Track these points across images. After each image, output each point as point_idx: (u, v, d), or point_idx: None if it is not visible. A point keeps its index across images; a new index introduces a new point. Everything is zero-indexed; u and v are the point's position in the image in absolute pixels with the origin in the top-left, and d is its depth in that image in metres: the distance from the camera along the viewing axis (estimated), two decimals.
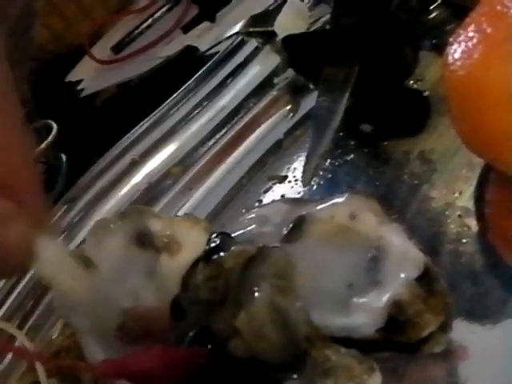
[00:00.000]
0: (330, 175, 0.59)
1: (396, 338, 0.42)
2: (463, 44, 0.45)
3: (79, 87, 1.01)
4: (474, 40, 0.44)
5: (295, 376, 0.40)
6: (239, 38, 0.78)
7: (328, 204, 0.51)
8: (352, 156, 0.59)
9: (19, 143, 0.34)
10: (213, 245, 0.48)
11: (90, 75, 1.02)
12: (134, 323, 0.43)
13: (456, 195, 0.51)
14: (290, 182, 0.60)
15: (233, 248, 0.47)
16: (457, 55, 0.45)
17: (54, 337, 0.56)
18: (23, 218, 0.34)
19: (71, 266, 0.40)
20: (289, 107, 0.68)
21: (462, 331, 0.43)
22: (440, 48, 0.61)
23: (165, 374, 0.41)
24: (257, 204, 0.59)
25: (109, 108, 0.91)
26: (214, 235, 0.49)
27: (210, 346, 0.44)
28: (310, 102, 0.66)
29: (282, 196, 0.59)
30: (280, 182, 0.61)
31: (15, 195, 0.33)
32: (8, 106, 0.34)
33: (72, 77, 1.05)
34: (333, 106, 0.59)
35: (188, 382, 0.43)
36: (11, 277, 0.39)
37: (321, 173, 0.59)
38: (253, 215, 0.54)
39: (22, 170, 0.34)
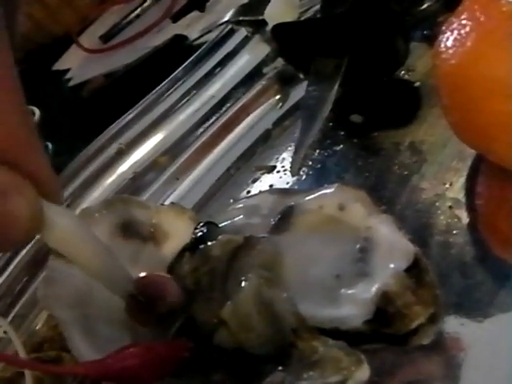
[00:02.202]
0: (319, 165, 0.58)
1: (384, 330, 0.42)
2: (456, 32, 0.44)
3: (67, 76, 1.00)
4: (467, 28, 0.43)
5: (281, 368, 0.39)
6: (229, 27, 0.77)
7: (316, 195, 0.50)
8: (341, 146, 0.59)
9: (21, 116, 0.34)
10: (199, 234, 0.47)
11: (77, 64, 1.01)
12: (143, 291, 0.41)
13: (446, 186, 0.50)
14: (278, 172, 0.59)
15: (219, 237, 0.46)
16: (449, 43, 0.44)
17: (37, 327, 0.55)
18: (27, 188, 0.33)
19: (85, 237, 0.38)
20: (278, 97, 0.67)
21: (451, 323, 0.43)
22: (431, 39, 0.60)
23: (148, 371, 0.40)
24: (245, 194, 0.59)
25: (96, 98, 0.90)
26: (200, 225, 0.48)
27: (195, 338, 0.43)
28: (299, 92, 0.66)
29: (271, 186, 0.58)
30: (268, 172, 0.60)
31: (20, 166, 0.32)
32: (5, 79, 0.33)
33: (59, 65, 1.04)
34: (322, 95, 0.58)
35: (173, 376, 0.42)
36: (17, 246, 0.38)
37: (310, 163, 0.58)
38: (240, 206, 0.54)
39: (24, 141, 0.33)
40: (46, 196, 0.35)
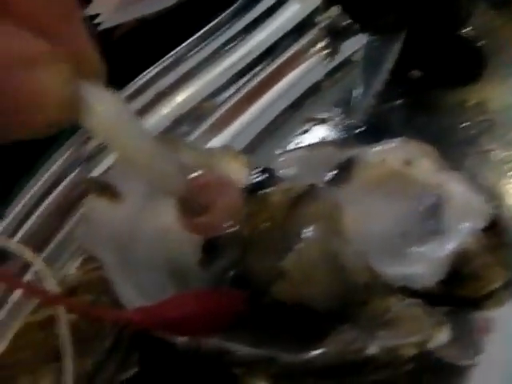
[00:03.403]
0: (375, 120, 0.55)
1: (457, 292, 0.39)
2: None
3: (96, 21, 0.96)
4: None
5: (349, 326, 0.36)
6: None
7: (379, 148, 0.47)
8: (400, 102, 0.55)
9: None
10: (257, 180, 0.44)
11: (108, 9, 0.97)
12: (197, 193, 0.36)
13: None
14: (330, 124, 0.56)
15: (280, 184, 0.43)
16: None
17: (70, 272, 0.52)
18: (62, 60, 0.27)
19: (131, 124, 0.32)
20: (330, 48, 0.64)
21: None
22: None
23: (199, 323, 0.37)
24: (293, 146, 0.55)
25: (128, 41, 0.86)
26: (258, 170, 0.45)
27: (250, 290, 0.40)
28: (351, 44, 0.63)
29: (322, 139, 0.55)
30: (320, 124, 0.56)
31: (53, 35, 0.27)
32: None
33: (90, 11, 1.00)
34: (386, 47, 0.55)
35: (226, 329, 0.38)
36: (44, 131, 0.30)
37: (365, 118, 0.55)
38: (292, 156, 0.51)
39: (60, 6, 0.28)
40: (86, 75, 0.29)
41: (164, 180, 0.34)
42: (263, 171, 0.44)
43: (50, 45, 0.27)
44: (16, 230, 0.54)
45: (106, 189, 0.46)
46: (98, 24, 0.92)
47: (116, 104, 0.31)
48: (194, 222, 0.36)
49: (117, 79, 0.67)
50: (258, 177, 0.44)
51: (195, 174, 0.37)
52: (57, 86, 0.27)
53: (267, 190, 0.43)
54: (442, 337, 0.34)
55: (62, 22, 0.28)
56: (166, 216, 0.45)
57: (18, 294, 0.49)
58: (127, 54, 0.80)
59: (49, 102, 0.27)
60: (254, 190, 0.43)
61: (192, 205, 0.36)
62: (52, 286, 0.42)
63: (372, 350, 0.33)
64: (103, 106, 0.30)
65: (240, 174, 0.45)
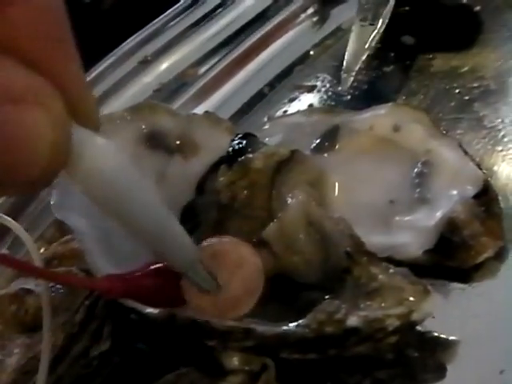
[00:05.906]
0: (365, 86, 0.53)
1: (446, 263, 0.37)
2: None
3: None
4: None
5: (332, 297, 0.34)
6: None
7: (367, 114, 0.45)
8: (392, 68, 0.53)
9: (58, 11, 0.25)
10: (239, 146, 0.42)
11: None
12: (210, 268, 0.32)
13: None
14: (319, 91, 0.54)
15: (262, 149, 0.41)
16: None
17: (46, 244, 0.50)
18: (53, 100, 0.23)
19: (134, 184, 0.27)
20: (318, 16, 0.62)
21: None
22: None
23: (175, 291, 0.34)
24: (281, 113, 0.53)
25: (118, 10, 0.84)
26: (239, 136, 0.43)
27: None
28: (339, 13, 0.61)
29: (310, 106, 0.53)
30: (308, 92, 0.54)
31: (46, 72, 0.23)
32: None
33: None
34: (377, 9, 0.53)
35: None
36: (29, 190, 0.24)
37: (355, 84, 0.53)
38: (278, 123, 0.49)
39: (56, 42, 0.23)
40: (79, 119, 0.24)
41: (174, 252, 0.30)
42: (244, 136, 0.42)
43: (42, 80, 0.23)
44: None
45: None
46: None
47: (118, 157, 0.26)
48: (209, 302, 0.32)
49: (104, 49, 0.65)
50: (238, 142, 0.42)
51: (207, 243, 0.33)
52: (45, 125, 0.23)
53: (249, 156, 0.40)
54: (427, 308, 0.32)
55: (56, 53, 0.24)
56: None
57: None
58: (115, 25, 0.77)
59: (37, 143, 0.22)
60: (234, 155, 0.41)
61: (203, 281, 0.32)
62: (34, 253, 0.39)
63: (353, 321, 0.31)
64: (101, 160, 0.25)
65: (219, 141, 0.43)
